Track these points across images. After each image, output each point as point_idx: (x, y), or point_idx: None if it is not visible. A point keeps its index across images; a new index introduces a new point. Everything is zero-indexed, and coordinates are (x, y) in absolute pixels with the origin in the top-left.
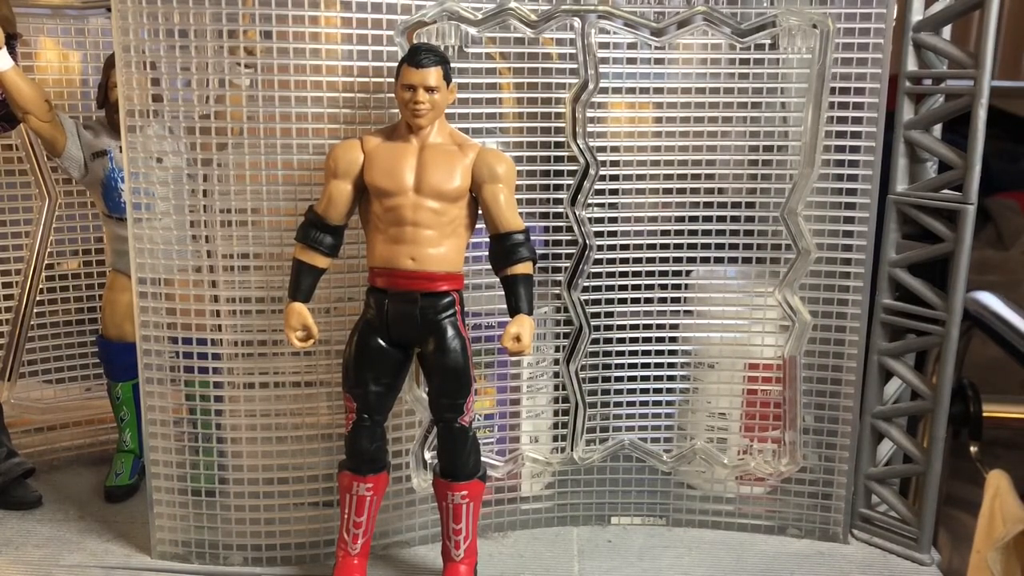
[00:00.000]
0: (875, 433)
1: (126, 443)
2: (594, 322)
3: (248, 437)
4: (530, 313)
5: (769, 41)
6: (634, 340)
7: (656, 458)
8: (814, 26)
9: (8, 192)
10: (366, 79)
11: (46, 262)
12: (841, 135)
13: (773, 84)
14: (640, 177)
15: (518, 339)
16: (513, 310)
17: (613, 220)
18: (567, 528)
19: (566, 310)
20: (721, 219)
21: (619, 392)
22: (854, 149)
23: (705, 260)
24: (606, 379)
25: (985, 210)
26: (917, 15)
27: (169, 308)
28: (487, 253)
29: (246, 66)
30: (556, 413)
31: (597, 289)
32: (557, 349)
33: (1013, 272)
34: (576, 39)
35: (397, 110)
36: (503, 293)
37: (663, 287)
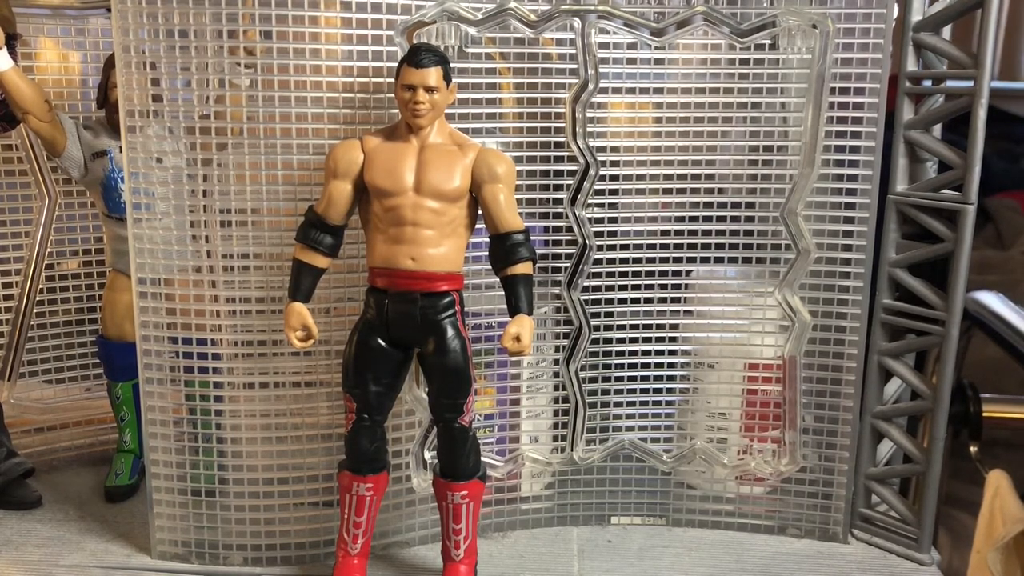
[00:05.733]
0: (875, 433)
1: (126, 443)
2: (594, 322)
3: (248, 437)
4: (530, 313)
5: (769, 41)
6: (634, 340)
7: (656, 458)
8: (814, 26)
9: (8, 192)
10: (366, 79)
11: (46, 262)
12: (841, 135)
13: (773, 84)
14: (640, 177)
15: (518, 339)
16: (513, 310)
17: (613, 220)
18: (567, 528)
19: (566, 310)
20: (721, 219)
21: (619, 392)
22: (854, 149)
23: (705, 260)
24: (606, 379)
25: (985, 210)
26: (917, 15)
27: (169, 308)
28: (487, 253)
29: (246, 66)
30: (556, 413)
31: (597, 289)
32: (557, 349)
33: (1013, 272)
34: (576, 39)
35: (397, 110)
36: (503, 293)
37: (663, 287)
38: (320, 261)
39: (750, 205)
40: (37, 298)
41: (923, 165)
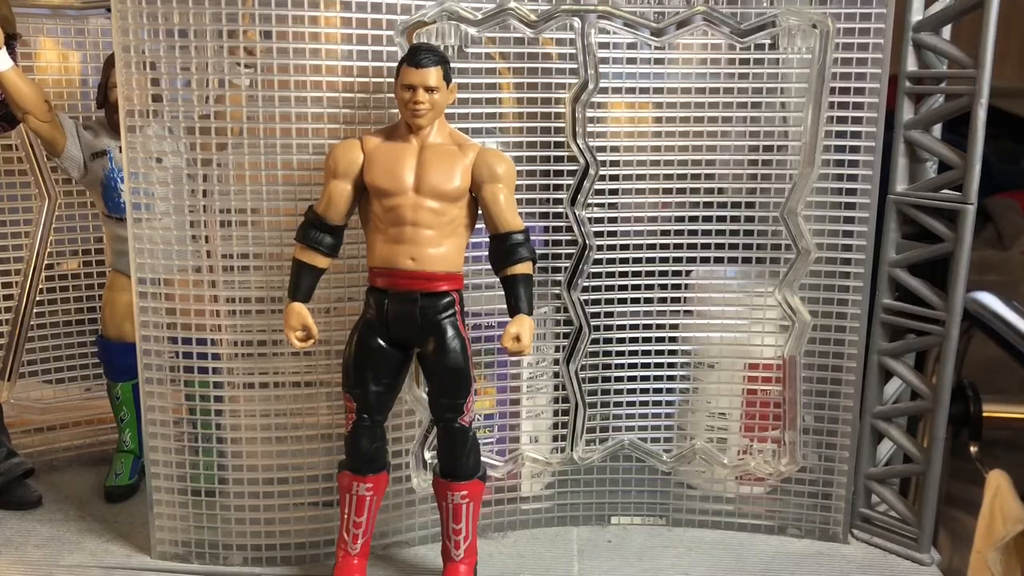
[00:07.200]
0: (875, 433)
1: (126, 443)
2: (594, 322)
3: (248, 437)
4: (530, 313)
5: (769, 41)
6: (634, 340)
7: (656, 458)
8: (814, 26)
9: (8, 192)
10: (366, 79)
11: (46, 262)
12: (841, 135)
13: (773, 84)
14: (640, 177)
15: (518, 339)
16: (513, 310)
17: (613, 220)
18: (567, 528)
19: (566, 310)
20: (721, 219)
21: (619, 392)
22: (854, 149)
23: (705, 260)
24: (606, 379)
25: (985, 210)
26: (917, 15)
27: (169, 308)
28: (487, 253)
29: (246, 66)
30: (556, 413)
31: (597, 289)
32: (557, 349)
33: (1013, 272)
34: (576, 39)
35: (397, 110)
36: (503, 293)
37: (663, 287)
38: (320, 261)
39: (750, 205)
40: (37, 298)
41: (923, 165)
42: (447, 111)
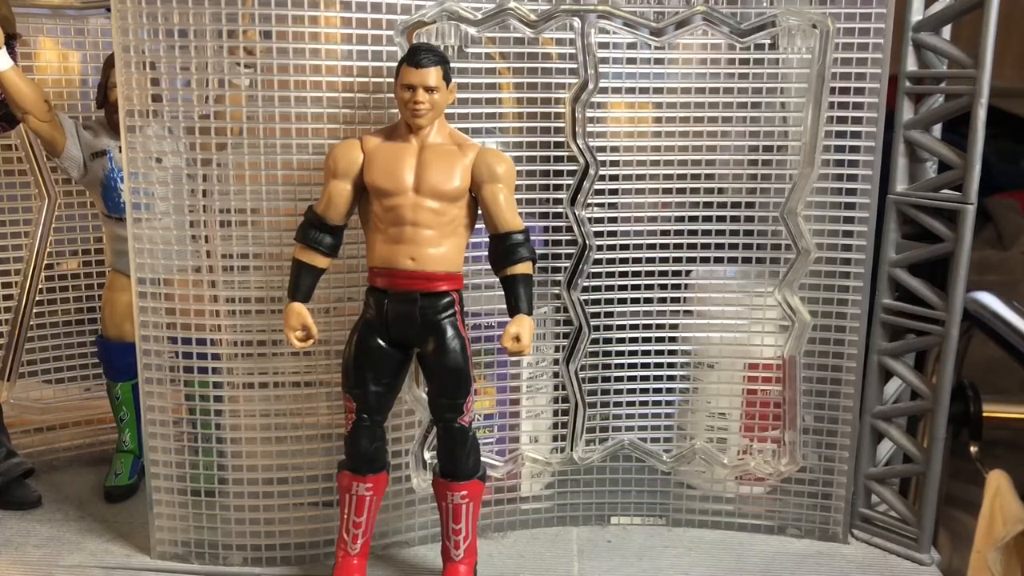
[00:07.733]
0: (875, 433)
1: (126, 443)
2: (594, 322)
3: (248, 437)
4: (530, 313)
5: (769, 41)
6: (634, 340)
7: (656, 458)
8: (814, 26)
9: (8, 192)
10: (366, 79)
11: (46, 262)
12: (841, 135)
13: (773, 84)
14: (640, 177)
15: (518, 339)
16: (513, 310)
17: (613, 220)
18: (567, 528)
19: (566, 310)
20: (721, 219)
21: (619, 392)
22: (854, 149)
23: (705, 260)
24: (606, 379)
25: (985, 210)
26: (917, 15)
27: (169, 308)
28: (487, 253)
29: (246, 66)
30: (556, 413)
31: (597, 289)
32: (557, 349)
33: (1013, 272)
34: (576, 39)
35: (397, 110)
36: (503, 293)
37: (663, 287)
38: (320, 261)
39: (750, 205)
40: (37, 298)
41: (923, 165)
42: (447, 111)
